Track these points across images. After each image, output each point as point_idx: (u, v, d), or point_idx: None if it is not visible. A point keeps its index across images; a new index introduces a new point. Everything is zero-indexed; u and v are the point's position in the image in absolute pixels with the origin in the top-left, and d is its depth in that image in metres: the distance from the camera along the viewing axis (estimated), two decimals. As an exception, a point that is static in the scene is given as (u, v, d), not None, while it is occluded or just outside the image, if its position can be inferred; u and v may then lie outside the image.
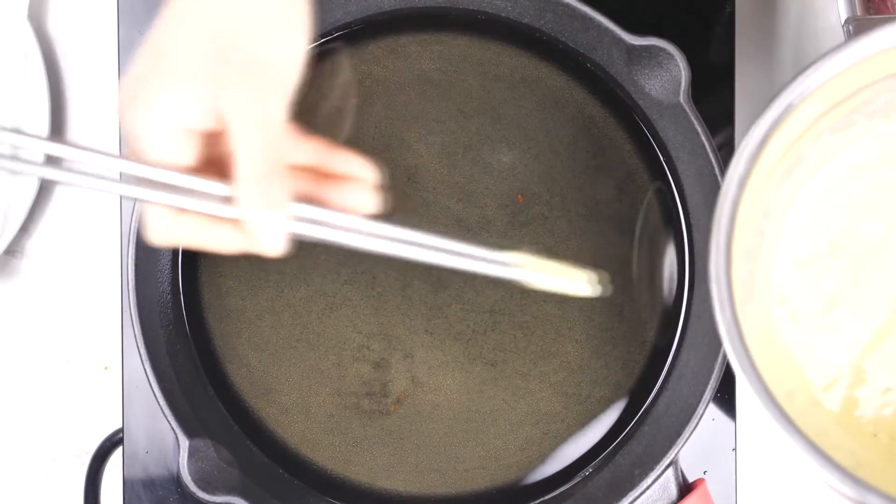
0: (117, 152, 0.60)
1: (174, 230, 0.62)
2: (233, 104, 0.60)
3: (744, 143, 0.69)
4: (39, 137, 0.62)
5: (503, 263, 0.68)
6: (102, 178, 0.61)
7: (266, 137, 0.61)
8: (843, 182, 0.76)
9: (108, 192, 0.61)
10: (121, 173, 0.62)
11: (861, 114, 0.75)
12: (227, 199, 0.62)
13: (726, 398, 0.85)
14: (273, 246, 0.62)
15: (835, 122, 0.74)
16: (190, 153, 0.61)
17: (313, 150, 0.66)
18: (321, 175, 0.66)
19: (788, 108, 0.70)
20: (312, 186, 0.66)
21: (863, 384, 0.76)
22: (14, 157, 0.61)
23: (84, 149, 0.61)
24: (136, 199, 0.60)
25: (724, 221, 0.69)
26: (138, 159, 0.61)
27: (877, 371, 0.76)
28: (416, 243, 0.66)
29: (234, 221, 0.62)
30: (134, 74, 0.61)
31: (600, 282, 0.71)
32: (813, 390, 0.76)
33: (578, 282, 0.70)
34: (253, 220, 0.61)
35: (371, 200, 0.66)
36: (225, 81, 0.60)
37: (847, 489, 0.67)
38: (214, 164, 0.64)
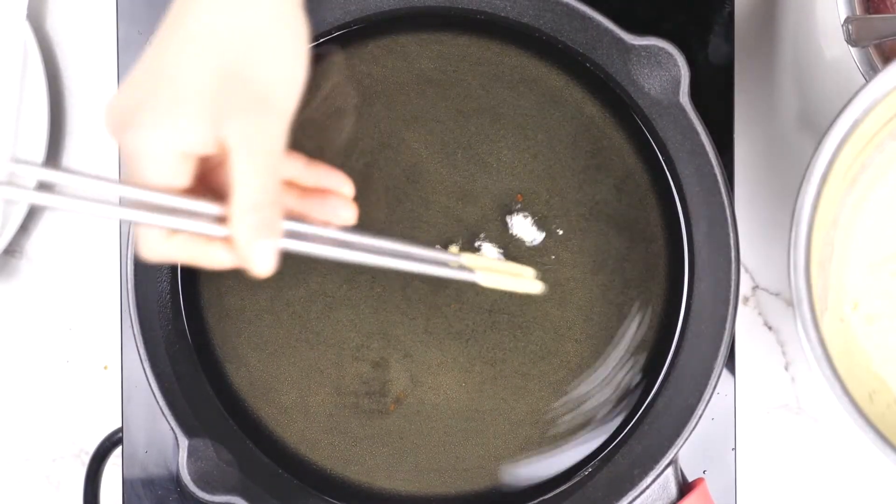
0: (113, 176, 0.59)
1: (167, 248, 0.62)
2: (235, 133, 0.60)
3: (813, 164, 0.70)
4: (34, 164, 0.62)
5: (456, 266, 0.71)
6: (97, 201, 0.60)
7: (267, 166, 0.61)
8: None
9: (103, 217, 0.61)
10: (120, 197, 0.62)
11: None
12: (219, 219, 0.62)
13: (726, 397, 0.85)
14: (265, 267, 0.63)
15: (895, 129, 0.74)
16: (186, 175, 0.61)
17: (295, 166, 0.68)
18: (300, 189, 0.68)
19: (855, 124, 0.70)
20: (293, 201, 0.67)
21: None
22: (10, 183, 0.61)
23: (77, 174, 0.61)
24: (131, 222, 0.60)
25: (801, 243, 0.70)
26: (133, 183, 0.61)
27: None
28: (372, 249, 0.68)
29: (225, 240, 0.62)
30: (130, 95, 0.61)
31: (538, 278, 0.76)
32: (892, 389, 0.76)
33: (525, 281, 0.75)
34: (248, 246, 0.62)
35: (350, 212, 0.68)
36: (229, 110, 0.60)
37: None
38: (206, 180, 0.64)
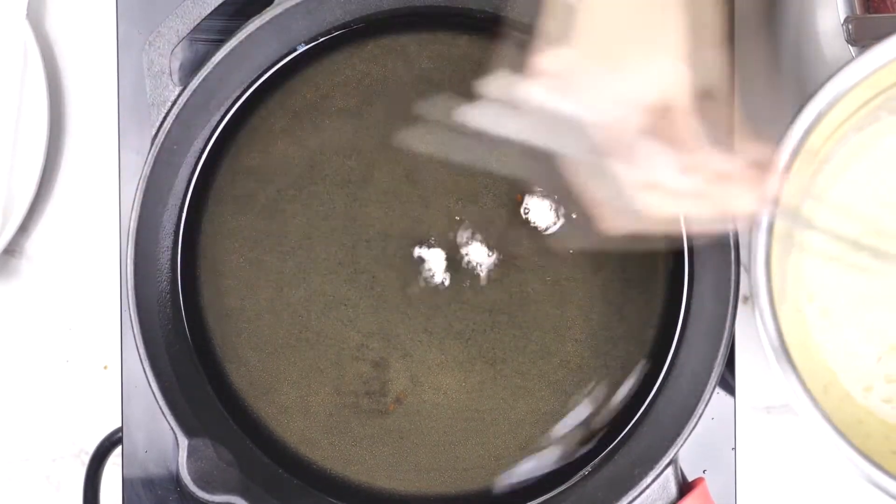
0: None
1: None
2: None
3: (778, 159, 0.70)
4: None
5: None
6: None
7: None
8: (868, 179, 0.76)
9: None
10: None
11: (885, 109, 0.75)
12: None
13: (726, 397, 0.85)
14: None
15: (858, 121, 0.74)
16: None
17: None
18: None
19: (818, 117, 0.70)
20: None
21: (892, 377, 0.76)
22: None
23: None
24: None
25: (762, 234, 0.70)
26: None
27: None
28: None
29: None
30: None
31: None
32: (843, 383, 0.77)
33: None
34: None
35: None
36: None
37: (879, 477, 0.69)
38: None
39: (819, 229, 0.74)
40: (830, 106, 0.70)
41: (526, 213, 0.81)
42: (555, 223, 0.82)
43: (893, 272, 0.76)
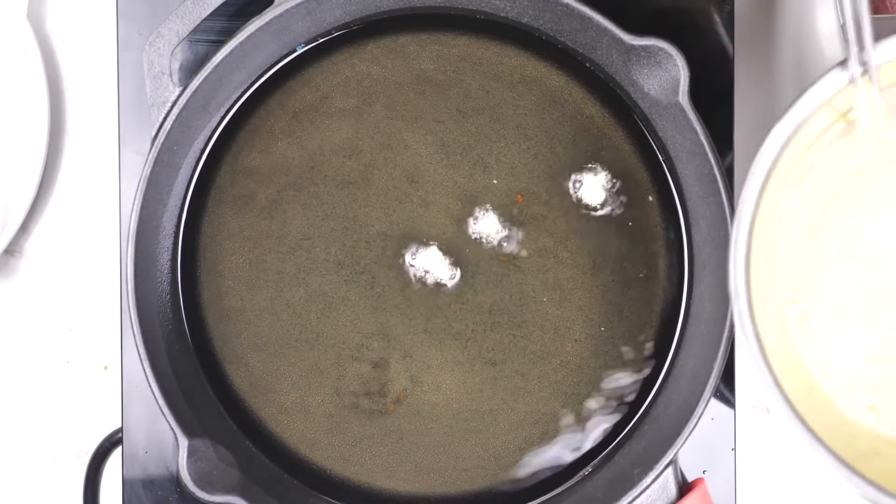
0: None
1: None
2: None
3: (757, 161, 0.69)
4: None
5: None
6: None
7: None
8: (853, 186, 0.76)
9: None
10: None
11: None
12: None
13: (726, 397, 0.85)
14: None
15: (843, 128, 0.74)
16: None
17: None
18: None
19: (801, 123, 0.70)
20: None
21: (874, 383, 0.76)
22: None
23: None
24: None
25: (741, 236, 0.69)
26: None
27: (886, 371, 0.76)
28: None
29: None
30: None
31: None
32: (826, 388, 0.76)
33: None
34: None
35: None
36: None
37: (855, 484, 0.68)
38: None
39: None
40: (812, 112, 0.70)
41: (576, 194, 0.81)
42: (603, 203, 0.82)
43: (875, 279, 0.76)
